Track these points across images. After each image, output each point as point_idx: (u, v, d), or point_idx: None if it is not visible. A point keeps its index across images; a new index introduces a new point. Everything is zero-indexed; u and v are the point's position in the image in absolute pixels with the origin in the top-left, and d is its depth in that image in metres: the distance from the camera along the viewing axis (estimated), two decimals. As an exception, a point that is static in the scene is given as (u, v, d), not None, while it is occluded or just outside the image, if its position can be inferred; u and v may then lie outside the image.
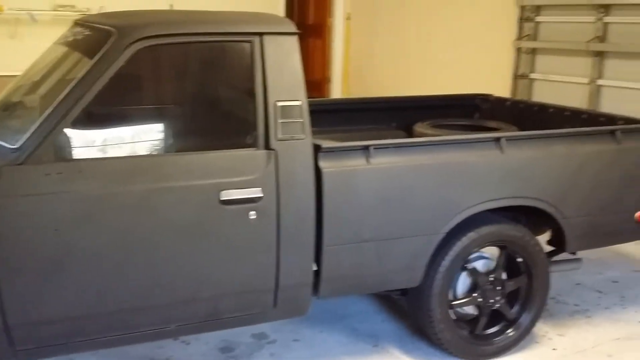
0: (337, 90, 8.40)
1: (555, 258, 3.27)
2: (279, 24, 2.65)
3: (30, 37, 5.94)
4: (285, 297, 2.67)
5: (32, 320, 2.31)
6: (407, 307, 3.22)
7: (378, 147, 2.73)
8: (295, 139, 2.59)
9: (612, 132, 3.15)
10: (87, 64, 2.40)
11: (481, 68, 6.48)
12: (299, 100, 2.61)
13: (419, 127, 3.85)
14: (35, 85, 2.74)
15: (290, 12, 8.93)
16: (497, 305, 3.04)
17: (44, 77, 2.74)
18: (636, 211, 3.20)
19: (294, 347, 3.13)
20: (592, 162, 3.08)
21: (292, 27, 2.65)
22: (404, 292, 3.06)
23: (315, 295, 2.76)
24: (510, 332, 3.09)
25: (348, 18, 8.18)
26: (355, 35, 8.17)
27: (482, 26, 6.46)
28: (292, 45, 2.63)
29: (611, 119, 3.54)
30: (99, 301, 2.38)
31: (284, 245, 2.59)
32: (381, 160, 2.73)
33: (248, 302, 2.62)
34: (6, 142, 2.32)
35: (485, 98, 4.44)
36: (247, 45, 2.57)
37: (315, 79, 8.73)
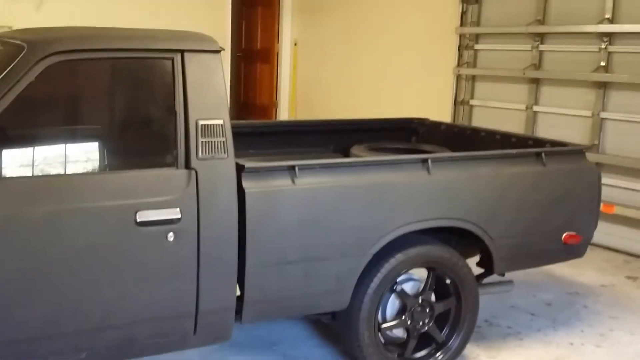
0: (284, 115, 8.39)
1: (486, 280, 3.27)
2: (200, 42, 2.60)
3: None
4: (206, 323, 2.57)
5: None
6: (337, 331, 3.15)
7: (303, 167, 2.69)
8: (216, 159, 2.53)
9: (538, 154, 3.19)
10: (-6, 79, 2.30)
11: (424, 94, 6.58)
12: (221, 119, 2.56)
13: (355, 150, 3.84)
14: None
15: (239, 37, 8.94)
16: (426, 327, 3.01)
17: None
18: (563, 232, 3.24)
19: (220, 374, 3.03)
20: (518, 184, 3.11)
21: (214, 45, 2.61)
22: (333, 315, 3.00)
23: (238, 321, 2.68)
24: (439, 355, 3.06)
25: (295, 44, 8.22)
26: (302, 61, 8.21)
27: (425, 53, 6.58)
28: (214, 63, 2.58)
29: (539, 142, 3.60)
30: (1, 328, 2.24)
31: (205, 268, 2.51)
32: (307, 181, 2.69)
33: (166, 328, 2.52)
34: None
35: (421, 122, 4.48)
36: (167, 62, 2.51)
37: (264, 103, 8.71)
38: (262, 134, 4.10)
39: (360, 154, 3.71)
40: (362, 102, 7.27)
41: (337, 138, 4.28)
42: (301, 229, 2.67)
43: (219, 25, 7.48)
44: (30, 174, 2.32)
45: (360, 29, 7.31)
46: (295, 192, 2.66)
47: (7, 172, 2.28)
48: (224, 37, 7.42)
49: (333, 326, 3.19)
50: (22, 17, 6.03)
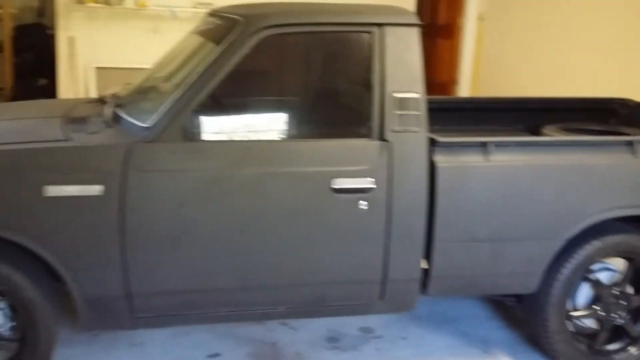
0: (464, 94, 8.18)
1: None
2: (400, 15, 2.62)
3: (170, 32, 6.32)
4: (392, 291, 2.64)
5: (152, 290, 2.46)
6: (522, 315, 3.06)
7: (498, 145, 2.63)
8: (410, 132, 2.56)
9: None
10: (215, 51, 2.52)
11: (627, 71, 6.03)
12: (417, 93, 2.57)
13: (547, 130, 3.65)
14: (168, 70, 2.92)
15: (419, 12, 8.84)
16: (621, 320, 2.81)
17: (176, 63, 2.91)
18: None
19: (401, 344, 3.09)
20: None
21: (413, 19, 2.62)
22: (519, 298, 2.92)
23: (423, 293, 2.71)
24: (633, 350, 2.84)
25: (481, 18, 7.94)
26: (487, 36, 7.91)
27: (630, 24, 6.00)
28: (412, 37, 2.60)
29: None
30: (213, 277, 2.48)
31: (394, 238, 2.57)
32: (500, 158, 2.62)
33: (355, 292, 2.63)
34: (139, 121, 2.49)
35: (623, 103, 4.12)
36: (366, 35, 2.58)
37: (442, 80, 8.56)
38: (448, 109, 4.04)
39: (554, 135, 3.53)
40: (551, 79, 6.86)
41: (526, 117, 4.10)
42: (492, 207, 2.62)
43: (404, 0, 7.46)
44: (240, 139, 2.51)
45: (554, 1, 6.86)
46: (487, 169, 2.61)
47: (221, 137, 2.50)
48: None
49: (517, 309, 3.10)
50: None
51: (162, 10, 6.27)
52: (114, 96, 2.96)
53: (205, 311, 2.56)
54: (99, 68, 6.36)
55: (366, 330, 3.19)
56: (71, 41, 6.22)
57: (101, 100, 3.04)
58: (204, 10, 6.30)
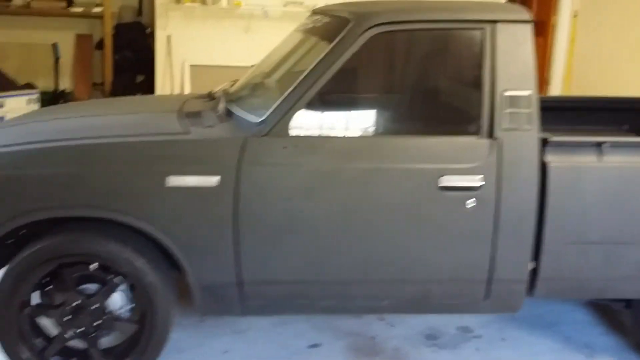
0: (555, 92, 7.93)
1: None
2: (512, 12, 2.59)
3: (262, 31, 6.48)
4: (497, 291, 2.61)
5: (262, 279, 2.54)
6: (630, 321, 2.96)
7: (613, 145, 2.55)
8: (521, 130, 2.52)
9: None
10: (324, 49, 2.57)
11: None
12: (529, 90, 2.54)
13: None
14: (275, 67, 3.00)
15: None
16: None
17: (283, 61, 2.99)
18: None
19: (500, 345, 3.05)
20: None
21: (526, 16, 2.58)
22: (628, 303, 2.82)
23: (529, 295, 2.67)
24: None
25: (575, 15, 7.68)
26: (580, 34, 7.64)
27: None
28: (525, 34, 2.56)
29: None
30: (320, 269, 2.54)
31: (501, 237, 2.54)
32: (615, 159, 2.55)
33: (460, 290, 2.62)
34: (252, 116, 2.58)
35: None
36: (478, 32, 2.56)
37: (532, 79, 8.32)
38: (548, 108, 3.95)
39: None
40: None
41: (632, 117, 3.94)
42: (605, 209, 2.55)
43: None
44: (348, 135, 2.55)
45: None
46: (601, 170, 2.54)
47: (330, 132, 2.55)
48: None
49: (625, 315, 3.00)
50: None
51: (254, 9, 6.42)
52: (224, 92, 3.07)
53: (311, 302, 2.62)
54: (193, 66, 6.59)
55: (464, 330, 3.17)
56: (168, 39, 6.48)
57: (210, 96, 3.16)
58: (294, 10, 6.48)
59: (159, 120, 2.79)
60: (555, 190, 2.52)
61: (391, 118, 2.70)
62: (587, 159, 2.54)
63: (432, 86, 2.79)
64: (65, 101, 6.72)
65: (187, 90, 6.55)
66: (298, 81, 2.52)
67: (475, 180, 2.50)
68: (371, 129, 2.61)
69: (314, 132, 2.53)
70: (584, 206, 2.54)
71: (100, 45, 7.17)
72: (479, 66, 2.56)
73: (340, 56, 2.51)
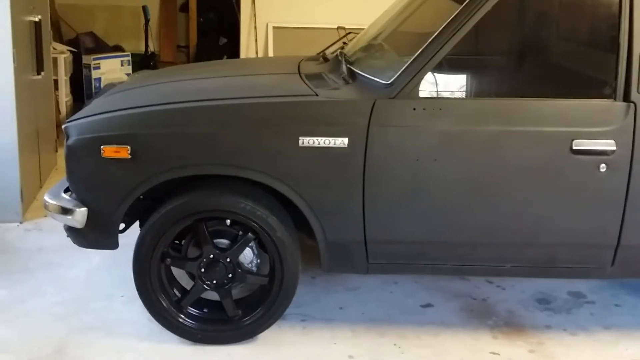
0: None
1: None
2: (654, -30, 2.48)
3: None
4: (625, 257, 2.58)
5: (386, 239, 2.59)
6: None
7: None
8: (659, 93, 2.45)
9: None
10: (454, 9, 2.53)
11: None
12: (670, 52, 2.45)
13: None
14: (397, 28, 2.98)
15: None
16: None
17: (405, 21, 2.97)
18: None
19: (615, 311, 3.02)
20: None
21: (669, -27, 2.47)
22: None
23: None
24: None
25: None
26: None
27: None
28: (665, -8, 2.46)
29: None
30: (444, 230, 2.56)
31: (632, 203, 2.50)
32: None
33: (586, 255, 2.60)
34: (380, 78, 2.59)
35: None
36: (616, -7, 2.48)
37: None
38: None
39: None
40: None
41: None
42: None
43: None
44: (480, 97, 2.53)
45: None
46: None
47: (459, 95, 2.54)
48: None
49: None
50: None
51: (341, -30, 6.36)
52: (341, 53, 3.08)
53: (433, 262, 2.65)
54: (276, 27, 6.61)
55: (576, 295, 3.15)
56: (253, 1, 6.50)
57: (324, 58, 3.18)
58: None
59: (285, 82, 2.83)
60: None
61: (522, 80, 2.66)
62: None
63: (565, 47, 2.73)
64: (155, 63, 6.88)
65: (271, 53, 6.59)
66: (428, 42, 2.50)
67: (609, 145, 2.45)
68: (501, 92, 2.58)
69: (444, 95, 2.53)
70: None
71: (184, 7, 7.27)
72: (615, 26, 2.48)
73: (471, 16, 2.47)
